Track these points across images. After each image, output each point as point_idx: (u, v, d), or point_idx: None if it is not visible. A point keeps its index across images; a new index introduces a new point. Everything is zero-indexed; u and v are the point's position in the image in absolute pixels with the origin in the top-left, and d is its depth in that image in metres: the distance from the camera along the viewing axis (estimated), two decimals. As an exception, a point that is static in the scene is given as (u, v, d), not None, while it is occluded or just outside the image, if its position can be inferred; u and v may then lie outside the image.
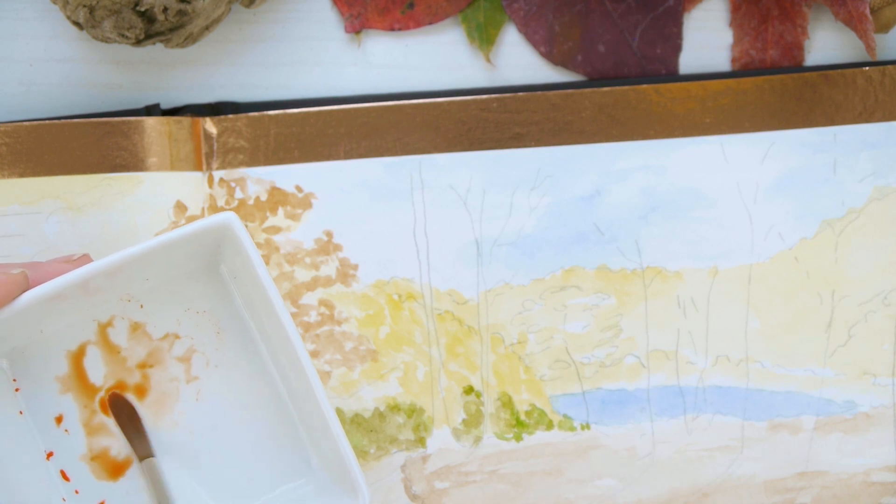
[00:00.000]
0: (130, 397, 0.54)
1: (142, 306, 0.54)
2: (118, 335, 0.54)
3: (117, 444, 0.54)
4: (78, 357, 0.54)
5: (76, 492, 0.54)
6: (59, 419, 0.54)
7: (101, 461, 0.54)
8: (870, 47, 0.58)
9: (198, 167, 0.58)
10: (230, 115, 0.58)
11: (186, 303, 0.55)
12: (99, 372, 0.54)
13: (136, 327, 0.55)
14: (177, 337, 0.55)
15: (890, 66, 0.59)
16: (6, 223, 0.56)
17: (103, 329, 0.54)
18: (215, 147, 0.58)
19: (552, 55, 0.60)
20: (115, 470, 0.54)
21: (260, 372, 0.55)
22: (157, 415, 0.55)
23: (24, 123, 0.57)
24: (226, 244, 0.52)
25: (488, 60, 0.60)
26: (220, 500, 0.54)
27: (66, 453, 0.54)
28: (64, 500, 0.54)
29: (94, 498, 0.54)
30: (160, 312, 0.55)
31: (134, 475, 0.54)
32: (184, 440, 0.55)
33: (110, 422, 0.54)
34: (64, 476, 0.54)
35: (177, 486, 0.54)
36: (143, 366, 0.55)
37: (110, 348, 0.54)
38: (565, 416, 0.58)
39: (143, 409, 0.54)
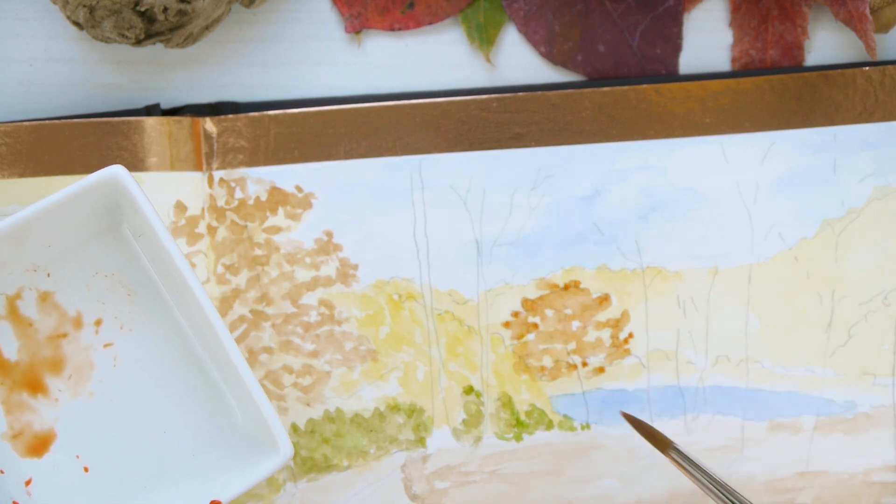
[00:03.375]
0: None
1: (49, 275, 0.54)
2: (28, 307, 0.54)
3: (39, 418, 0.54)
4: None
5: (1, 472, 0.53)
6: None
7: (24, 438, 0.53)
8: (870, 47, 0.58)
9: (198, 167, 0.58)
10: (230, 115, 0.58)
11: (94, 267, 0.54)
12: (12, 347, 0.54)
13: (44, 297, 0.54)
14: (87, 303, 0.54)
15: (890, 66, 0.59)
16: (6, 223, 0.56)
17: (12, 302, 0.54)
18: (215, 147, 0.58)
19: (552, 55, 0.60)
20: (39, 446, 0.54)
21: (175, 332, 0.54)
22: (76, 386, 0.54)
23: (24, 123, 0.57)
24: (123, 202, 0.51)
25: (488, 60, 0.60)
26: (146, 466, 0.54)
27: None
28: None
29: (21, 476, 0.53)
30: (68, 279, 0.54)
31: (59, 450, 0.54)
32: (104, 409, 0.54)
33: (30, 398, 0.54)
34: None
35: (100, 456, 0.54)
36: (55, 336, 0.54)
37: (21, 321, 0.54)
38: (565, 416, 0.58)
39: (62, 382, 0.54)
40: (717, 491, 0.51)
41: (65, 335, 0.54)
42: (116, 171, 0.50)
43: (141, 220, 0.51)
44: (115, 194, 0.51)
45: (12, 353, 0.54)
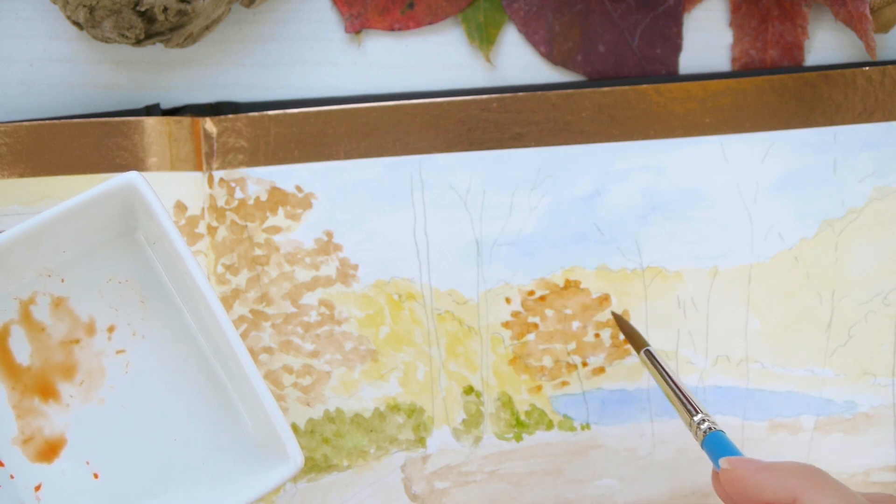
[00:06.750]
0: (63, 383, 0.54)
1: (63, 280, 0.54)
2: (41, 312, 0.54)
3: (49, 424, 0.54)
4: (2, 338, 0.53)
5: (11, 476, 0.53)
6: None
7: (35, 443, 0.53)
8: (870, 47, 0.58)
9: (198, 167, 0.58)
10: (230, 115, 0.58)
11: (107, 273, 0.54)
12: (25, 351, 0.54)
13: (58, 302, 0.54)
14: (100, 309, 0.54)
15: (890, 66, 0.59)
16: (6, 223, 0.56)
17: (25, 307, 0.54)
18: (215, 147, 0.58)
19: (552, 55, 0.60)
20: (49, 451, 0.53)
21: (187, 339, 0.54)
22: (87, 392, 0.54)
23: (24, 123, 0.57)
24: (137, 208, 0.51)
25: (488, 60, 0.60)
26: (156, 473, 0.54)
27: None
28: None
29: (31, 481, 0.53)
30: (82, 285, 0.54)
31: (69, 456, 0.54)
32: (115, 415, 0.54)
33: (41, 403, 0.54)
34: None
35: (109, 462, 0.54)
36: (68, 342, 0.54)
37: (34, 326, 0.54)
38: (565, 416, 0.58)
39: (73, 388, 0.54)
40: (679, 397, 0.51)
41: (77, 341, 0.54)
42: (133, 177, 0.50)
43: (156, 226, 0.51)
44: (131, 201, 0.51)
45: (25, 357, 0.54)
